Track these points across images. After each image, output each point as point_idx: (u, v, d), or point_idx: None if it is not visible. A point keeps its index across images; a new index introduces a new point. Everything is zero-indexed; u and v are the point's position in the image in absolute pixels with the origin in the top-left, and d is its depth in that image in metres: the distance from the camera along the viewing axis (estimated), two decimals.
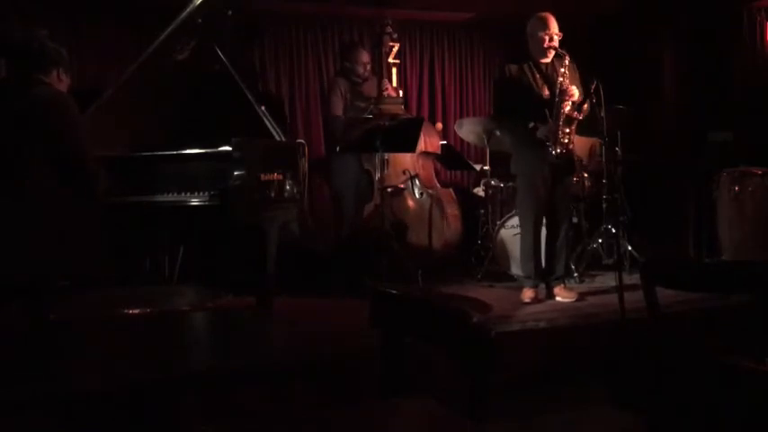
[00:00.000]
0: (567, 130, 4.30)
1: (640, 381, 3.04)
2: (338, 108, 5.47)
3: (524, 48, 4.46)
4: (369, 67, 5.55)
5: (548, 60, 4.39)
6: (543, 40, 4.31)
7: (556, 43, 4.31)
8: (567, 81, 4.29)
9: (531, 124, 4.31)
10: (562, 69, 4.29)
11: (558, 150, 4.27)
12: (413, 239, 5.23)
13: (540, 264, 4.60)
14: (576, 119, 4.32)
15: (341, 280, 4.94)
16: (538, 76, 4.39)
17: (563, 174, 4.45)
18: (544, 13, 4.38)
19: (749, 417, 2.03)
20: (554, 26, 4.34)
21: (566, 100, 4.27)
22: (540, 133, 4.30)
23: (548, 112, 4.28)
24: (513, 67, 4.40)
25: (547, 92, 4.36)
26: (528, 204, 4.53)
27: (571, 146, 4.35)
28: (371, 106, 5.31)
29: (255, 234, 3.81)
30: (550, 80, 4.37)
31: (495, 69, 6.76)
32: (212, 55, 4.11)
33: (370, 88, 5.52)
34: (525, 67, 4.39)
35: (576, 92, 4.29)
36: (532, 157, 4.37)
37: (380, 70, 5.45)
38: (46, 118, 3.17)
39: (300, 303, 4.47)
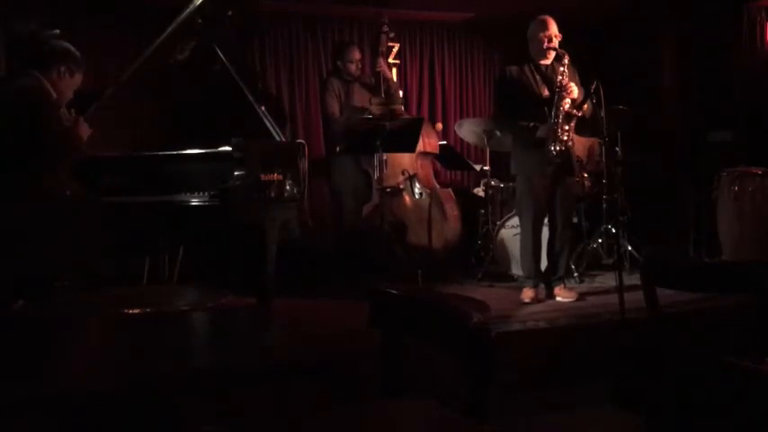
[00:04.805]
0: (567, 128, 4.31)
1: (640, 381, 3.04)
2: (333, 108, 5.48)
3: (525, 49, 4.48)
4: (360, 65, 5.56)
5: (548, 62, 4.41)
6: (543, 42, 4.34)
7: (555, 44, 4.33)
8: (567, 79, 4.30)
9: (531, 124, 4.32)
10: (562, 68, 4.30)
11: (558, 148, 4.27)
12: (412, 239, 5.23)
13: (540, 264, 4.61)
14: (575, 116, 4.34)
15: (341, 280, 4.95)
16: (538, 77, 4.41)
17: (563, 174, 4.45)
18: (544, 16, 4.42)
19: (749, 417, 2.03)
20: (553, 27, 4.37)
21: (565, 97, 4.28)
22: (541, 132, 4.30)
23: (547, 111, 4.30)
24: (514, 69, 4.43)
25: (546, 92, 4.37)
26: (527, 205, 4.53)
27: (570, 143, 4.36)
28: (371, 105, 5.31)
29: (255, 234, 3.82)
30: (550, 81, 4.38)
31: (497, 71, 6.82)
32: (212, 55, 4.12)
33: (364, 86, 5.52)
34: (526, 68, 4.42)
35: (574, 89, 4.30)
36: (532, 158, 4.37)
37: (382, 69, 5.44)
38: (10, 111, 3.18)
39: (300, 303, 4.47)
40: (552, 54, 4.35)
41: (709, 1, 6.04)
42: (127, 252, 4.21)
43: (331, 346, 2.52)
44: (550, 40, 4.33)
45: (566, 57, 4.30)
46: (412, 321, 1.86)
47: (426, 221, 5.21)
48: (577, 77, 4.43)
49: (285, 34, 6.24)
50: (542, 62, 4.41)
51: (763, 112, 5.91)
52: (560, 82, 4.29)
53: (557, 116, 4.27)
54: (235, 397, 1.94)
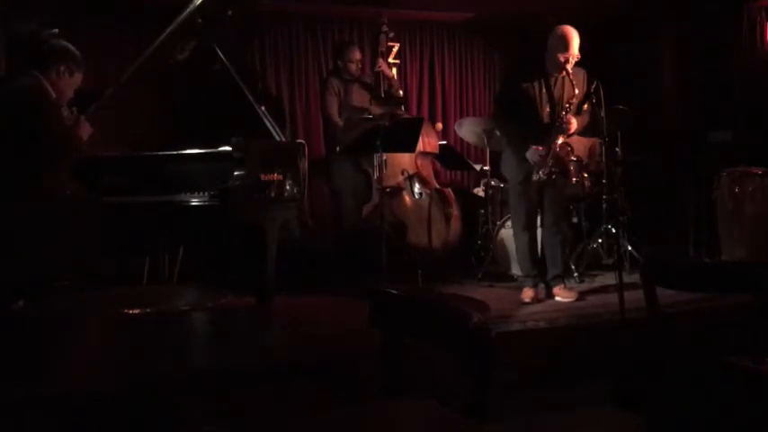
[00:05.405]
0: (551, 162, 4.32)
1: (640, 381, 3.04)
2: (333, 107, 5.48)
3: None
4: (360, 65, 5.56)
5: (560, 75, 4.38)
6: (560, 61, 4.27)
7: (571, 66, 4.29)
8: (570, 116, 4.30)
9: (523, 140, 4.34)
10: (567, 105, 4.28)
11: (541, 175, 4.31)
12: (412, 239, 5.23)
13: (537, 263, 4.61)
14: (566, 157, 4.35)
15: (341, 280, 4.94)
16: (544, 91, 4.38)
17: (556, 177, 4.45)
18: (567, 32, 4.28)
19: (749, 417, 2.03)
20: (573, 47, 4.27)
21: (561, 133, 4.29)
22: (529, 155, 4.33)
23: (543, 136, 4.30)
24: (523, 84, 4.39)
25: (548, 109, 4.36)
26: (518, 206, 4.55)
27: (554, 176, 4.37)
28: (371, 105, 5.31)
29: (255, 234, 3.81)
30: (555, 97, 4.37)
31: (498, 70, 6.83)
32: (212, 55, 4.12)
33: (363, 86, 5.53)
34: (536, 84, 4.37)
35: (574, 124, 4.31)
36: (526, 163, 4.39)
37: (382, 68, 5.44)
38: (10, 111, 3.19)
39: (300, 303, 4.46)
40: (565, 72, 4.32)
41: (710, 1, 6.04)
42: (127, 252, 4.21)
43: (331, 346, 2.52)
44: (567, 61, 4.27)
45: (575, 96, 4.28)
46: (412, 321, 1.86)
47: (426, 221, 5.21)
48: (586, 83, 4.40)
49: (285, 34, 6.24)
50: (555, 74, 4.38)
51: (763, 112, 5.91)
52: (563, 118, 4.29)
53: (548, 147, 4.29)
54: (235, 397, 1.94)
